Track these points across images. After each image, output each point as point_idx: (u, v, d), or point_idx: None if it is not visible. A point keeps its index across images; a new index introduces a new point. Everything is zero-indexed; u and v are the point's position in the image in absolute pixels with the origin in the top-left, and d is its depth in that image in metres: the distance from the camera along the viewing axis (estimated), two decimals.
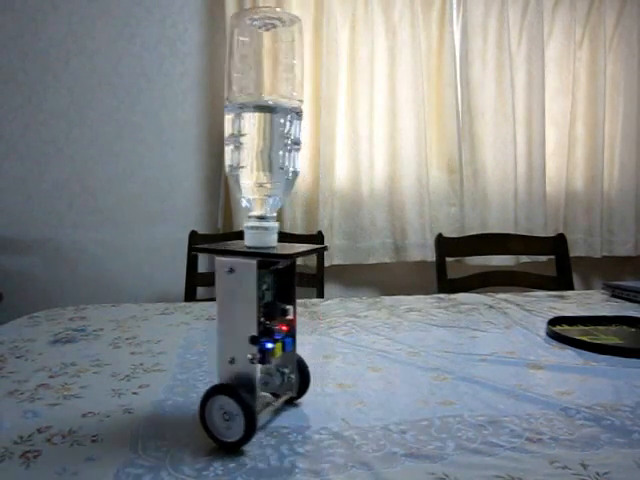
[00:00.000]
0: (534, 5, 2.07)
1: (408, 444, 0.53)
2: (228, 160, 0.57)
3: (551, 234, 1.86)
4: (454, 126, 2.01)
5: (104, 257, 1.94)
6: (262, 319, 0.55)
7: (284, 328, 0.57)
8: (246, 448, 0.52)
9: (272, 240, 0.57)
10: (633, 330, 0.96)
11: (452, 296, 1.30)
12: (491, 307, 1.17)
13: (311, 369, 0.77)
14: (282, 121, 0.56)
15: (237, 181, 0.57)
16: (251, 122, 0.55)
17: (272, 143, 0.56)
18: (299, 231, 1.94)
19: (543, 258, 2.00)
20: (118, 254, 1.94)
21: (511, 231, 2.02)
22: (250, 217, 0.57)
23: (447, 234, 1.78)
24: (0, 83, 1.86)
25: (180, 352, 0.84)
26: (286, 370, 0.60)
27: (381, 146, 2.01)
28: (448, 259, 1.67)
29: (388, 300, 1.25)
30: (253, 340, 0.52)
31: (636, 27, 2.18)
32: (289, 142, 0.57)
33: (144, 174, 1.94)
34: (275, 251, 0.56)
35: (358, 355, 0.82)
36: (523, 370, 0.76)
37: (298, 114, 0.58)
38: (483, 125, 2.08)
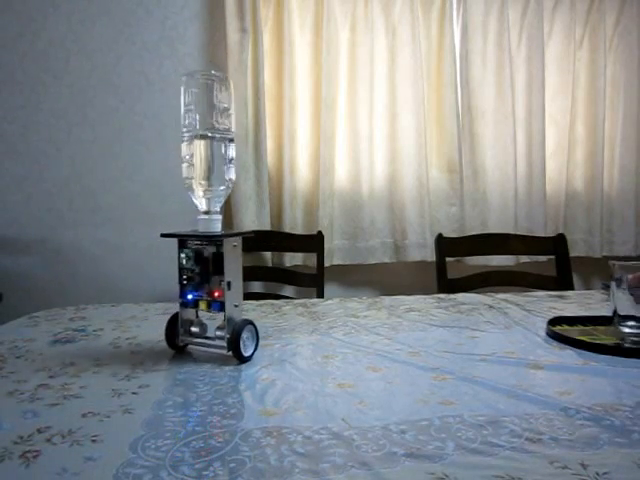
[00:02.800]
0: (534, 5, 2.07)
1: (408, 444, 0.53)
2: (184, 173, 0.80)
3: (551, 234, 1.86)
4: (454, 126, 2.01)
5: (104, 257, 1.94)
6: (185, 278, 0.80)
7: (216, 294, 0.78)
8: (245, 448, 0.52)
9: (215, 227, 0.80)
10: None
11: (452, 296, 1.30)
12: (491, 307, 1.17)
13: (311, 369, 0.77)
14: (219, 146, 0.80)
15: (190, 187, 0.80)
16: (198, 147, 0.79)
17: (212, 161, 0.79)
18: (299, 231, 1.93)
19: (543, 258, 2.00)
20: (118, 254, 1.94)
21: (511, 231, 2.02)
22: (200, 212, 0.81)
23: (447, 234, 1.78)
24: (0, 83, 1.86)
25: (180, 352, 0.84)
26: (219, 331, 0.81)
27: (381, 146, 2.01)
28: (448, 259, 1.67)
29: (388, 300, 1.25)
30: (180, 289, 0.81)
31: (636, 27, 2.17)
32: (225, 160, 0.80)
33: (144, 174, 1.94)
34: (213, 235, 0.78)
35: (358, 355, 0.82)
36: (523, 370, 0.76)
37: (231, 140, 0.81)
38: (483, 125, 2.08)
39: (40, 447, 0.52)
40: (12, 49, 1.85)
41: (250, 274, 1.74)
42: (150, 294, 1.94)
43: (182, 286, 0.81)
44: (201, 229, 0.80)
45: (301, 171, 1.98)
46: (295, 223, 1.95)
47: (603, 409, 0.61)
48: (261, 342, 0.89)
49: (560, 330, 0.93)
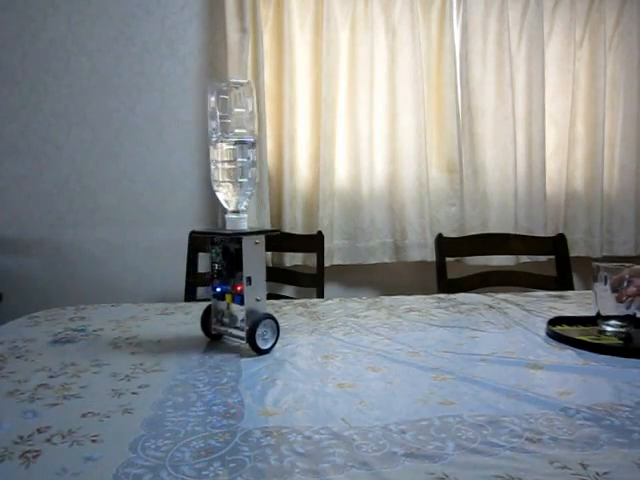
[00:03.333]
0: (534, 5, 2.07)
1: (408, 444, 0.53)
2: (212, 175, 0.86)
3: (551, 234, 1.86)
4: (454, 126, 2.01)
5: (104, 257, 1.94)
6: (215, 273, 0.86)
7: (238, 288, 0.83)
8: (245, 448, 0.52)
9: (242, 226, 0.85)
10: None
11: (452, 296, 1.30)
12: (491, 307, 1.17)
13: (311, 369, 0.77)
14: (243, 149, 0.85)
15: (217, 188, 0.87)
16: (224, 150, 0.85)
17: (239, 164, 0.84)
18: (299, 231, 1.94)
19: (543, 258, 1.99)
20: (118, 254, 1.94)
21: (511, 231, 2.02)
22: (228, 211, 0.87)
23: (447, 234, 1.78)
24: (0, 83, 1.86)
25: (180, 352, 0.84)
26: (242, 323, 0.84)
27: (381, 146, 2.01)
28: (448, 259, 1.67)
29: (388, 300, 1.25)
30: (211, 282, 0.88)
31: (636, 27, 2.17)
32: (249, 162, 0.85)
33: (144, 174, 1.94)
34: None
35: (358, 355, 0.82)
36: (523, 370, 0.76)
37: (253, 144, 0.86)
38: (483, 125, 2.08)
39: (40, 447, 0.52)
40: (12, 49, 1.85)
41: None
42: (150, 294, 1.94)
43: (212, 279, 0.87)
44: (229, 227, 0.86)
45: (301, 171, 1.98)
46: (295, 223, 1.95)
47: (603, 409, 0.61)
48: None
49: (560, 330, 0.93)
